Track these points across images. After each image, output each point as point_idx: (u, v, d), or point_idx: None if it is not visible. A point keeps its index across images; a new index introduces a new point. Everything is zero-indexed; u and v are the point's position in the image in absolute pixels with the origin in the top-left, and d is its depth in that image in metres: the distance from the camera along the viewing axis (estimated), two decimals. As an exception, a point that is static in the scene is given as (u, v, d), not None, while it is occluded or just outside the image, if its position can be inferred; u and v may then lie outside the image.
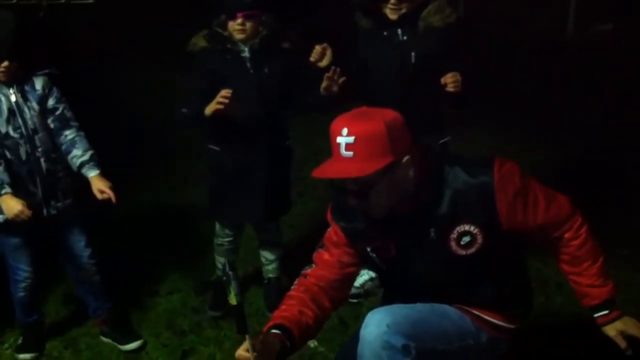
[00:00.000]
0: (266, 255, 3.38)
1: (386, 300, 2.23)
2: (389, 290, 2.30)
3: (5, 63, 2.65)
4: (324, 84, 2.84)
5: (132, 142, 5.26)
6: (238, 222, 3.28)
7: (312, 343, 2.92)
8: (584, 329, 2.35)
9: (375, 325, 1.96)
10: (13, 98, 2.72)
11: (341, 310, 2.92)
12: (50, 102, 2.81)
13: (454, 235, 1.98)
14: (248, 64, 2.97)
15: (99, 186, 2.81)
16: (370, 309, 2.13)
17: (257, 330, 2.33)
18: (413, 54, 2.85)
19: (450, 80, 2.75)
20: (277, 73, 3.00)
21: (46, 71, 2.81)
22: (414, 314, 2.02)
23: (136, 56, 7.16)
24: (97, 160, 2.87)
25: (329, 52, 2.84)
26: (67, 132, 2.84)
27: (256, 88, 2.97)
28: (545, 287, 3.32)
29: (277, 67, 3.00)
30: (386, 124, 1.84)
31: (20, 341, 3.07)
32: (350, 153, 1.84)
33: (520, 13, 8.96)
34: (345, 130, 1.85)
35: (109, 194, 2.80)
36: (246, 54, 2.97)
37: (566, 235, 2.07)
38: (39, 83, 2.78)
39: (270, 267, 3.38)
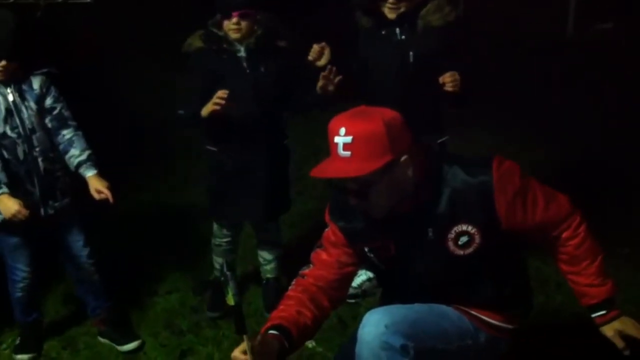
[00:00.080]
0: (264, 255, 3.37)
1: (385, 300, 2.23)
2: (387, 290, 2.29)
3: (4, 62, 2.64)
4: (320, 83, 2.83)
5: (132, 142, 5.25)
6: (237, 221, 3.28)
7: (310, 343, 2.92)
8: (584, 328, 2.33)
9: (374, 325, 1.95)
10: (10, 97, 2.71)
11: (339, 310, 2.91)
12: (48, 101, 2.81)
13: (452, 235, 1.97)
14: (244, 64, 2.96)
15: (96, 186, 2.80)
16: (368, 309, 2.13)
17: (256, 330, 2.32)
18: (411, 53, 2.85)
19: (448, 80, 2.75)
20: (274, 72, 3.00)
21: (44, 70, 2.81)
22: (412, 314, 2.01)
23: (136, 55, 7.15)
24: (95, 160, 2.86)
25: (327, 51, 2.83)
26: (64, 132, 2.83)
27: (252, 87, 2.96)
28: (545, 287, 3.32)
29: (274, 66, 3.00)
30: (385, 123, 1.84)
31: (18, 341, 3.06)
32: (348, 153, 1.83)
33: (520, 13, 8.93)
34: (343, 130, 1.84)
35: (107, 194, 2.79)
36: (242, 53, 2.96)
37: (564, 235, 2.06)
38: (36, 82, 2.78)
39: (268, 267, 3.38)
